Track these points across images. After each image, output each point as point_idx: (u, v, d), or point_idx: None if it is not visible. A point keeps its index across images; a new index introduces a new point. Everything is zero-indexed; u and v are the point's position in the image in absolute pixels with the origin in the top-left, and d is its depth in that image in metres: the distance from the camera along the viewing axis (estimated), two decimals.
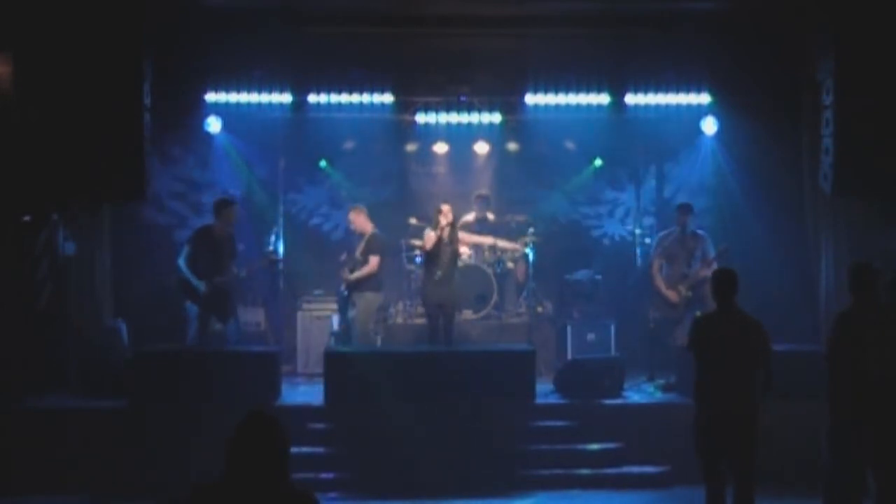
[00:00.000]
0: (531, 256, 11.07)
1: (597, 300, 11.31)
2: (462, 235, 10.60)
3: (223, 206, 10.02)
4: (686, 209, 10.17)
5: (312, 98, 10.73)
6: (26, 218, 9.46)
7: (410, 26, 10.75)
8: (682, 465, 7.69)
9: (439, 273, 9.98)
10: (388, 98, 10.86)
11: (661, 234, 10.48)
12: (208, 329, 9.88)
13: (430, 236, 9.99)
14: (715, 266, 9.48)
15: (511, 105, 11.18)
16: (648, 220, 11.89)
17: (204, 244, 9.85)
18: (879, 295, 6.48)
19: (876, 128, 8.84)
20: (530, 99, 10.85)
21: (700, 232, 10.19)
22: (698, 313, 7.00)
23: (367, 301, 10.42)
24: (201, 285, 9.74)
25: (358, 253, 10.45)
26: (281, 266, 11.15)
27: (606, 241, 12.22)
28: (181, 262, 9.83)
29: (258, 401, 8.47)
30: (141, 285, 10.73)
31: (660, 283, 10.05)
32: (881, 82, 8.86)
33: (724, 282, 6.42)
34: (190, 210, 11.47)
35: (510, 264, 11.65)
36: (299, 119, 11.10)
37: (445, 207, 10.00)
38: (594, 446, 8.75)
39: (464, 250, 11.07)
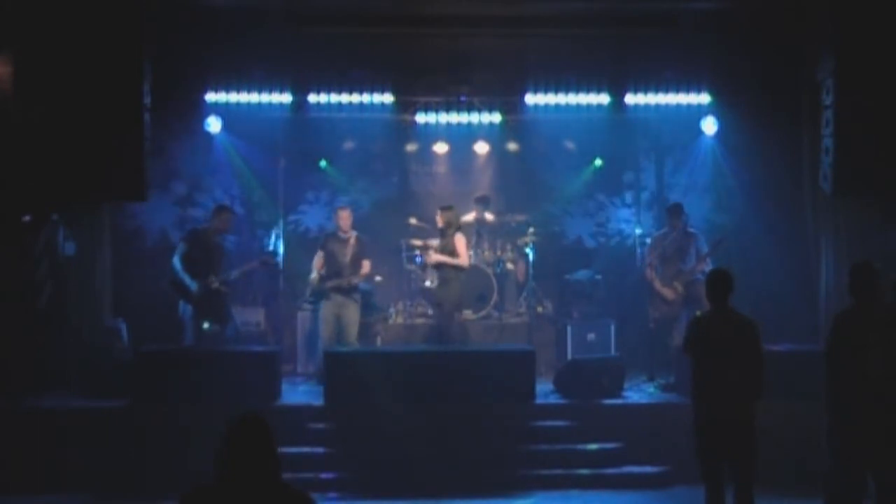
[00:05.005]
0: (531, 256, 11.08)
1: (597, 300, 11.31)
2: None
3: (221, 211, 10.08)
4: (676, 210, 10.22)
5: (312, 98, 10.72)
6: (26, 218, 9.46)
7: (410, 26, 10.74)
8: (682, 465, 7.69)
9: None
10: (388, 98, 10.85)
11: (657, 234, 10.51)
12: (202, 331, 9.86)
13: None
14: (709, 261, 9.51)
15: (511, 105, 11.18)
16: (648, 220, 11.89)
17: (197, 245, 9.89)
18: (881, 295, 6.47)
19: (876, 128, 8.84)
20: (530, 99, 10.85)
21: (692, 230, 10.25)
22: (698, 313, 6.99)
23: (356, 308, 10.31)
24: (193, 285, 9.74)
25: (348, 257, 10.21)
26: (280, 267, 11.12)
27: (606, 242, 12.21)
28: (176, 260, 9.85)
29: (258, 401, 8.48)
30: (141, 285, 10.73)
31: (656, 281, 10.07)
32: (881, 82, 8.87)
33: (719, 282, 6.43)
34: (190, 210, 11.46)
35: (510, 264, 11.66)
36: (299, 119, 11.10)
37: (438, 214, 10.24)
38: (594, 446, 8.75)
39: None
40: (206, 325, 10.00)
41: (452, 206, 10.45)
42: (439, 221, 10.25)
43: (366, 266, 10.26)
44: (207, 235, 9.99)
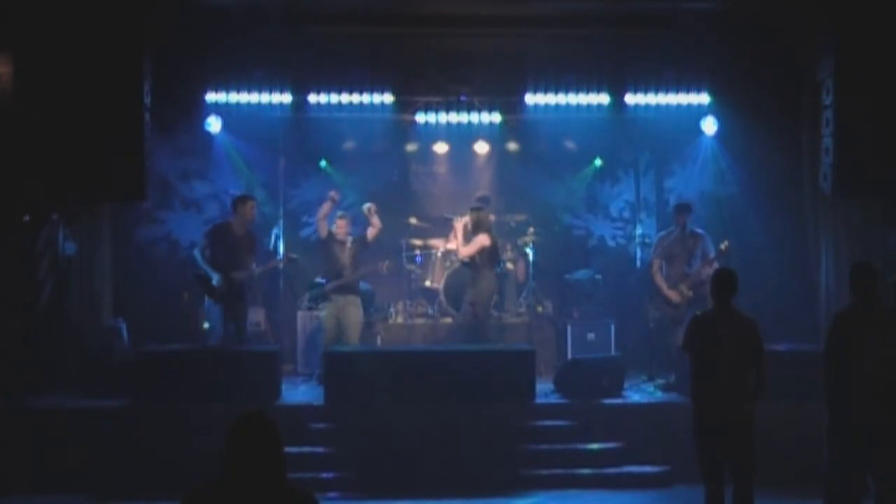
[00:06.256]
0: (531, 256, 11.08)
1: (597, 300, 11.32)
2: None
3: (241, 202, 10.02)
4: (684, 209, 10.16)
5: (312, 98, 10.71)
6: (26, 218, 9.46)
7: (410, 26, 10.74)
8: (682, 465, 7.70)
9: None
10: (388, 98, 10.84)
11: (661, 233, 10.47)
12: (230, 326, 9.87)
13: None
14: (716, 264, 9.48)
15: (511, 105, 11.18)
16: (648, 220, 11.89)
17: (221, 241, 9.84)
18: (881, 295, 6.48)
19: (876, 128, 8.83)
20: (530, 99, 10.84)
21: (699, 231, 10.18)
22: (698, 312, 6.99)
23: (358, 310, 10.38)
24: (216, 277, 9.73)
25: (347, 259, 10.34)
26: (279, 258, 11.13)
27: (606, 242, 12.21)
28: (196, 252, 9.87)
29: (258, 401, 8.48)
30: (141, 285, 10.73)
31: (661, 282, 10.02)
32: (881, 82, 8.86)
33: (724, 281, 6.43)
34: (190, 210, 11.45)
35: (510, 264, 11.66)
36: (299, 119, 11.10)
37: (468, 215, 10.42)
38: (594, 446, 8.76)
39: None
40: (206, 325, 10.00)
41: (482, 207, 10.52)
42: (469, 222, 10.27)
43: (375, 223, 10.34)
44: (230, 230, 9.91)
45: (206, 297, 9.93)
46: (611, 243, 12.15)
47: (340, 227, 10.46)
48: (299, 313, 11.14)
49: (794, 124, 10.41)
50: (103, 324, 10.18)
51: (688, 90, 10.78)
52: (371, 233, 10.43)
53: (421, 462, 8.39)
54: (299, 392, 9.91)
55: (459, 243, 10.45)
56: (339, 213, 10.64)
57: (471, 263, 10.25)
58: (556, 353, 11.06)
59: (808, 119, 10.06)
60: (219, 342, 9.83)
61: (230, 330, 9.82)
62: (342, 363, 9.16)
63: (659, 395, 9.52)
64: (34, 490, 8.25)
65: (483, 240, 10.18)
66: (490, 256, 10.28)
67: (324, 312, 10.33)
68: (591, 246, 12.16)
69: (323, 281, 10.42)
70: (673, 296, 9.93)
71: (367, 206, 10.51)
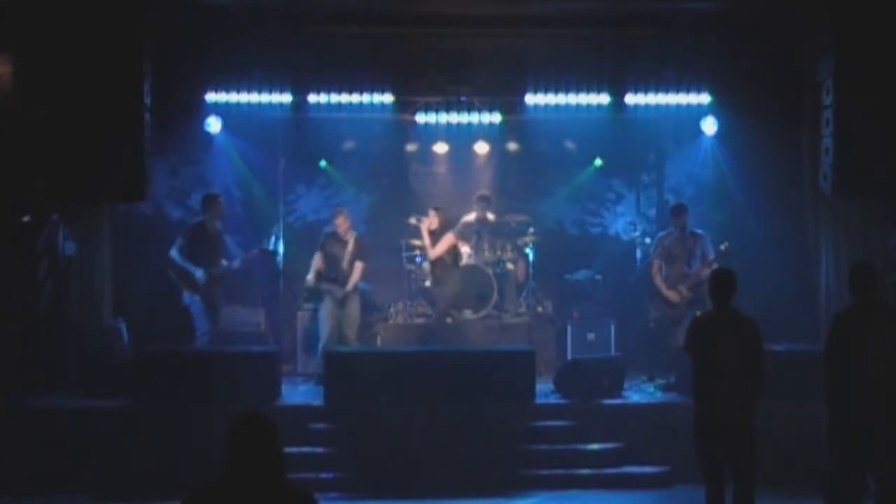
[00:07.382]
0: (531, 256, 11.09)
1: (597, 300, 11.32)
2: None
3: (210, 200, 10.14)
4: (680, 210, 10.17)
5: (312, 98, 10.71)
6: (26, 218, 9.46)
7: (410, 26, 10.74)
8: (682, 465, 7.70)
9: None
10: (388, 98, 10.84)
11: (661, 234, 10.46)
12: (217, 320, 9.91)
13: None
14: (715, 265, 9.48)
15: (511, 105, 11.18)
16: (648, 220, 11.89)
17: (200, 239, 9.96)
18: (881, 295, 6.48)
19: (876, 128, 8.82)
20: (530, 99, 10.84)
21: (699, 231, 10.18)
22: (698, 313, 6.99)
23: (356, 307, 10.40)
24: (198, 272, 9.80)
25: (346, 260, 10.31)
26: (278, 258, 11.13)
27: (606, 242, 12.22)
28: (174, 252, 9.91)
29: (258, 401, 8.48)
30: (141, 285, 10.73)
31: (660, 283, 10.02)
32: (881, 82, 8.85)
33: (723, 282, 6.43)
34: (190, 210, 11.44)
35: (510, 264, 11.67)
36: (299, 119, 11.10)
37: (433, 215, 10.52)
38: (594, 446, 8.76)
39: (464, 250, 11.23)
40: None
41: (443, 207, 10.71)
42: (434, 222, 10.32)
43: (357, 270, 10.28)
44: (205, 227, 10.05)
45: (187, 293, 9.95)
46: (624, 237, 12.15)
47: (342, 224, 10.38)
48: (299, 313, 11.13)
49: (794, 124, 10.41)
50: (103, 324, 10.18)
51: (688, 90, 10.78)
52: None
53: (421, 462, 8.40)
54: (299, 392, 9.91)
55: (428, 244, 10.49)
56: (338, 207, 10.63)
57: (442, 263, 10.33)
58: (556, 353, 11.05)
59: (808, 119, 10.06)
60: (206, 340, 9.84)
61: (214, 329, 9.92)
62: (342, 363, 9.16)
63: (659, 395, 9.52)
64: (34, 490, 8.25)
65: (450, 238, 10.37)
66: (455, 255, 10.40)
67: (322, 311, 10.31)
68: (605, 242, 12.16)
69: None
70: (672, 296, 9.92)
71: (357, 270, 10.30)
